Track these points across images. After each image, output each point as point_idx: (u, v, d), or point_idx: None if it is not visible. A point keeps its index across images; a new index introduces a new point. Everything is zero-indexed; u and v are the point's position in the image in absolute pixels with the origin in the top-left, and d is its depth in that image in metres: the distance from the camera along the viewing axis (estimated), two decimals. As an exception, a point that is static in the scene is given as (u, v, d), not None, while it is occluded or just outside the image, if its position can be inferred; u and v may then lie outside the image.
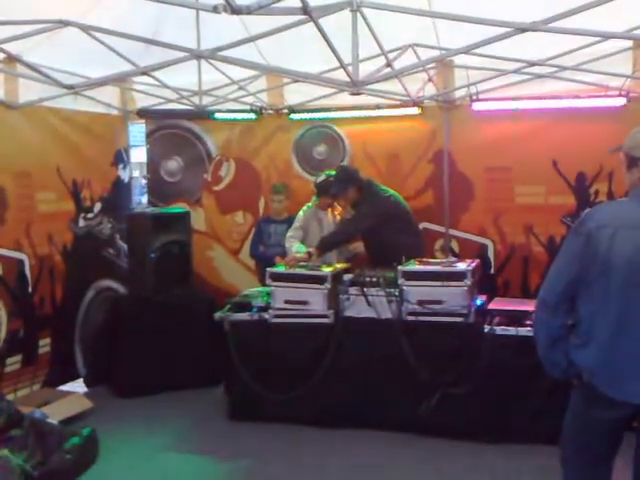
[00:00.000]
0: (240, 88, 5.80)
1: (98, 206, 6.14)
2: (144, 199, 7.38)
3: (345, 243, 5.56)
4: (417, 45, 4.82)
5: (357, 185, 5.34)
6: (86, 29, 4.11)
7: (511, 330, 4.46)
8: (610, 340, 2.57)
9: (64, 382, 5.75)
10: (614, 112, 5.33)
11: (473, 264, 4.82)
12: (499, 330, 4.49)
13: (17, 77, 5.00)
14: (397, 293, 4.69)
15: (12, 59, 4.57)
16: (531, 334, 4.31)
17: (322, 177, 5.63)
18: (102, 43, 4.34)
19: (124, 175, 6.56)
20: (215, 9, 2.45)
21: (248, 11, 2.44)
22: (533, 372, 4.34)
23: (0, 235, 5.03)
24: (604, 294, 2.58)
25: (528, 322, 4.44)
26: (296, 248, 5.40)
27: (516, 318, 4.52)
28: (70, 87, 4.51)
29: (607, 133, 5.36)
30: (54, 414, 4.55)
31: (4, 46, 4.16)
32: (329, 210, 5.77)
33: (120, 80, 5.54)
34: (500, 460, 4.30)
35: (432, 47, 4.86)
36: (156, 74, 5.07)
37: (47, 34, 4.12)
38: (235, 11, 2.42)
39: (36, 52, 4.48)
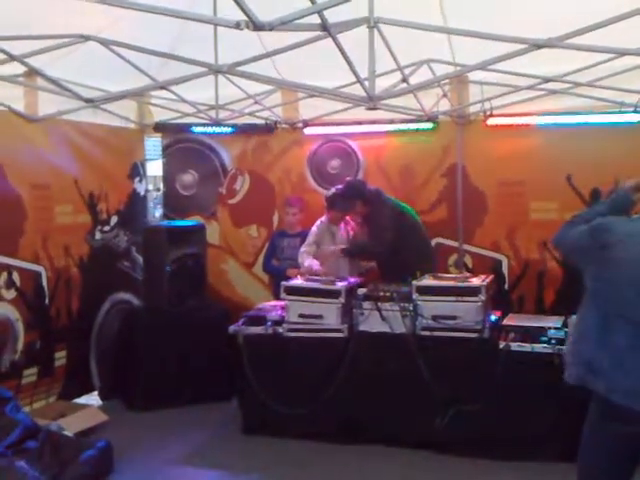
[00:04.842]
0: (256, 102, 5.85)
1: (114, 219, 6.18)
2: (157, 213, 7.42)
3: (371, 258, 5.58)
4: (432, 61, 4.86)
5: (364, 198, 5.37)
6: (106, 43, 4.17)
7: (526, 346, 4.45)
8: (626, 352, 2.57)
9: (79, 395, 5.77)
10: (629, 128, 5.33)
11: (487, 279, 4.82)
12: (514, 346, 4.47)
13: (37, 90, 5.07)
14: (411, 308, 4.69)
15: (32, 73, 4.63)
16: (547, 351, 4.37)
17: (332, 191, 5.65)
18: (121, 57, 4.39)
19: (140, 188, 6.62)
20: (237, 25, 2.48)
21: (270, 27, 2.47)
22: (548, 388, 4.35)
23: (19, 247, 5.08)
24: (618, 308, 2.59)
25: (543, 338, 4.44)
26: (308, 262, 5.45)
27: (531, 334, 4.51)
28: (90, 101, 4.56)
29: (622, 149, 5.38)
30: (69, 427, 4.57)
31: (26, 60, 4.22)
32: (342, 225, 5.78)
33: (138, 94, 5.59)
34: (515, 477, 4.27)
35: (447, 63, 4.89)
36: (173, 88, 5.13)
37: (68, 48, 4.19)
38: (257, 27, 2.45)
39: (56, 66, 4.53)
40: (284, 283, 5.06)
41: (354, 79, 3.97)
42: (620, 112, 5.33)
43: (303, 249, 5.70)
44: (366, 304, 4.81)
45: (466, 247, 6.06)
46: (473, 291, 4.62)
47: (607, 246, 2.63)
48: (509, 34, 3.52)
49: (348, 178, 5.88)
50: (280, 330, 4.96)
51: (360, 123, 6.08)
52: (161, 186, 7.02)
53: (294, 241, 6.03)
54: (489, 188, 5.94)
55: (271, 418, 4.93)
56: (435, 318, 4.62)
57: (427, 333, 4.65)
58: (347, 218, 5.75)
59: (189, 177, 6.81)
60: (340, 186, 5.62)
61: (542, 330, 4.49)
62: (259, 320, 5.09)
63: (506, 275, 5.94)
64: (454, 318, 4.59)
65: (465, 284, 4.75)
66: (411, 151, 6.15)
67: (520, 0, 4.40)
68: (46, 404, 5.32)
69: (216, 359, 5.63)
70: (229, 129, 6.34)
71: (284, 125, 6.37)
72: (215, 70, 4.15)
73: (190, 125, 6.40)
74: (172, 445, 4.93)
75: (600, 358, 2.64)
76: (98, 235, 5.99)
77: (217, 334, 5.44)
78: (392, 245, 5.25)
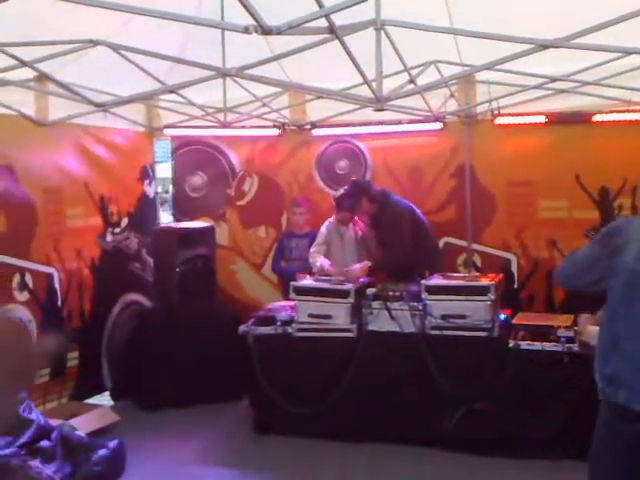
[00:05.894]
0: (263, 105, 5.88)
1: (125, 221, 6.24)
2: (163, 213, 7.44)
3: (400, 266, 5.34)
4: (439, 61, 4.87)
5: (369, 196, 5.37)
6: (115, 48, 4.21)
7: (536, 345, 4.46)
8: (637, 352, 2.57)
9: (91, 395, 5.82)
10: (637, 126, 5.32)
11: (496, 278, 4.83)
12: (524, 345, 4.48)
13: (47, 95, 5.11)
14: (420, 307, 4.71)
15: (43, 77, 4.67)
16: (556, 349, 4.38)
17: (341, 191, 5.68)
18: (130, 62, 4.43)
19: (150, 191, 6.67)
20: (246, 30, 2.51)
21: (278, 31, 2.49)
22: (558, 387, 4.36)
23: (31, 249, 5.13)
24: (630, 307, 2.59)
25: (553, 337, 4.45)
26: (320, 262, 5.52)
27: (541, 333, 4.52)
28: (100, 105, 4.60)
29: (630, 147, 5.37)
30: (81, 426, 4.61)
31: (36, 65, 4.27)
32: (350, 225, 5.79)
33: (147, 97, 5.63)
34: (524, 476, 4.29)
35: (454, 63, 4.89)
36: (182, 91, 5.16)
37: (77, 53, 4.23)
38: (265, 32, 2.47)
39: (66, 71, 4.57)
40: (293, 283, 5.09)
41: (361, 80, 3.98)
42: (628, 110, 5.33)
43: (313, 249, 5.74)
44: (375, 304, 4.83)
45: (475, 246, 6.06)
46: (482, 290, 4.64)
47: (617, 250, 2.62)
48: (515, 34, 3.53)
49: (354, 178, 5.91)
50: (289, 330, 5.00)
51: (368, 124, 6.10)
52: (170, 188, 7.06)
53: (302, 242, 6.06)
54: (498, 187, 5.95)
55: (282, 417, 4.96)
56: (444, 317, 4.64)
57: (436, 332, 4.67)
58: (355, 219, 5.77)
59: (198, 179, 6.85)
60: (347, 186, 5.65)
61: (552, 329, 4.50)
62: (269, 320, 5.12)
63: (515, 274, 5.94)
64: (463, 317, 4.61)
65: (474, 283, 4.77)
66: (419, 152, 6.16)
67: (526, 0, 4.41)
68: (58, 404, 5.37)
69: (226, 359, 5.65)
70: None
71: (292, 127, 6.40)
72: (223, 73, 4.18)
73: (199, 128, 6.44)
74: (183, 445, 4.97)
75: (619, 368, 2.63)
76: (109, 237, 6.04)
77: (227, 334, 5.47)
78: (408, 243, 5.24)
